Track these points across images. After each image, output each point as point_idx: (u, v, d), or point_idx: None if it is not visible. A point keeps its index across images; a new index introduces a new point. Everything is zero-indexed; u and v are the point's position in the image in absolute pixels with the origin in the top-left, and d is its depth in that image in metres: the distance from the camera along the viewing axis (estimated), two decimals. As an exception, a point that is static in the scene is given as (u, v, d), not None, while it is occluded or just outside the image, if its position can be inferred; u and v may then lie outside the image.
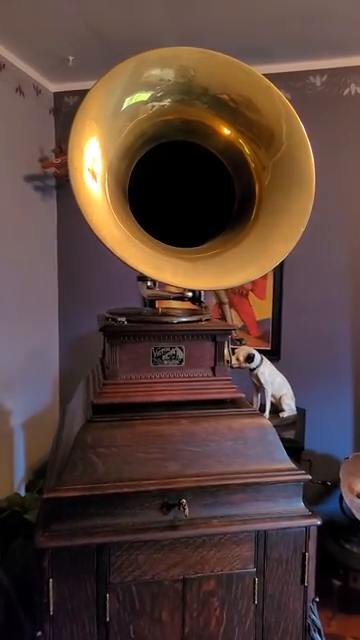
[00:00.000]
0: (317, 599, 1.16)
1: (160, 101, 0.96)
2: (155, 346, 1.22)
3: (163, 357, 1.22)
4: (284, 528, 1.11)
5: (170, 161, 1.12)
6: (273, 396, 2.44)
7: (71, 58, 2.50)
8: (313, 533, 1.13)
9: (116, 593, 1.06)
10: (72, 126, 0.88)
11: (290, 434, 2.36)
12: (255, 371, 2.36)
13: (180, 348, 1.23)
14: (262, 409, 2.43)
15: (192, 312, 1.36)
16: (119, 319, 1.21)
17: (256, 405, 2.47)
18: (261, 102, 0.99)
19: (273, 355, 2.81)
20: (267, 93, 0.99)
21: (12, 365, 2.58)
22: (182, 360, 1.23)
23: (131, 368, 1.21)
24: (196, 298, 1.41)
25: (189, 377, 1.23)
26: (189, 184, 1.18)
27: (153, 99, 0.95)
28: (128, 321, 1.21)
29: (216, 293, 2.97)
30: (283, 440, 2.34)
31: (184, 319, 1.25)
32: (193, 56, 0.95)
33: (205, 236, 1.17)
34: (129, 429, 1.12)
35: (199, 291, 1.40)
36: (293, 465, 1.15)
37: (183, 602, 1.09)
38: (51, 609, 1.03)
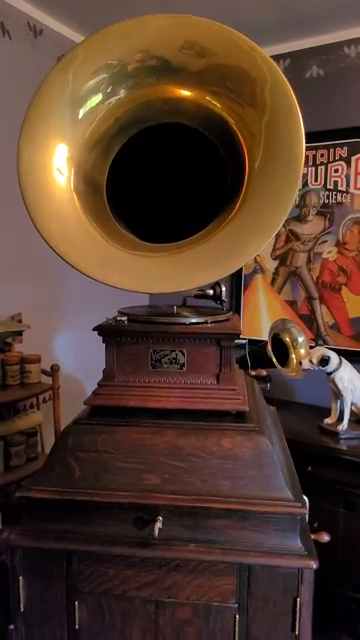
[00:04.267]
0: (313, 653, 0.99)
1: (115, 94, 0.88)
2: (154, 348, 1.14)
3: (162, 360, 1.14)
4: (271, 566, 0.97)
5: (162, 148, 1.02)
6: (354, 404, 2.18)
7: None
8: (308, 576, 0.97)
9: (86, 602, 1.03)
10: (26, 114, 0.85)
11: (373, 450, 2.09)
12: (332, 376, 2.13)
13: (181, 352, 1.14)
14: (341, 418, 2.19)
15: (206, 313, 1.25)
16: (119, 318, 1.16)
17: (335, 413, 2.23)
18: (238, 62, 0.83)
19: (366, 358, 2.51)
20: (249, 56, 0.83)
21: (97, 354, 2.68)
22: (183, 365, 1.14)
23: (129, 370, 1.15)
24: (217, 296, 1.30)
25: (190, 384, 1.14)
26: (188, 171, 1.07)
27: (106, 98, 0.87)
28: (129, 321, 1.16)
29: (305, 287, 2.74)
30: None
31: (189, 320, 1.15)
32: (163, 22, 0.84)
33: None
34: (111, 435, 1.07)
35: (220, 288, 1.29)
36: (290, 495, 0.99)
37: (155, 625, 1.02)
38: (21, 606, 1.03)
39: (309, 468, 2.09)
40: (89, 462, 1.05)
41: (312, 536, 1.11)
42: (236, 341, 1.16)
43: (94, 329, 1.14)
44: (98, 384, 1.17)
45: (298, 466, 2.07)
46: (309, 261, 2.68)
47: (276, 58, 2.55)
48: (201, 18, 0.84)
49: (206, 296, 1.31)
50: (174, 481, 1.02)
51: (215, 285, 1.29)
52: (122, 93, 0.90)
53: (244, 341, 1.23)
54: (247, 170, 0.88)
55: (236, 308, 2.86)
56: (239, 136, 0.88)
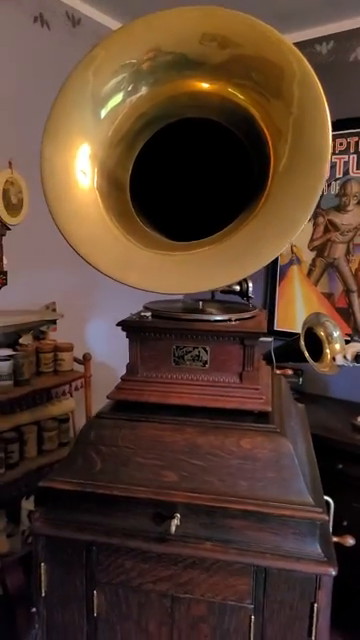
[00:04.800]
0: (329, 659, 0.98)
1: (137, 92, 0.86)
2: (177, 345, 1.14)
3: (185, 357, 1.14)
4: (287, 570, 0.96)
5: (188, 144, 1.00)
6: (389, 403, 2.11)
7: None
8: (326, 583, 0.95)
9: (104, 592, 1.05)
10: (49, 113, 0.85)
11: None
12: (367, 372, 2.06)
13: (204, 349, 1.13)
14: (376, 416, 2.13)
15: (233, 309, 1.23)
16: (143, 313, 1.17)
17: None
18: (263, 52, 0.80)
19: None
20: (276, 47, 0.80)
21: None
22: (206, 362, 1.13)
23: (151, 366, 1.16)
24: (243, 292, 1.28)
25: (212, 382, 1.13)
26: (213, 167, 1.04)
27: (127, 96, 0.85)
28: (152, 316, 1.16)
29: (343, 279, 2.66)
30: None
31: (212, 317, 1.14)
32: (192, 14, 0.81)
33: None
34: (131, 430, 1.08)
35: (246, 284, 1.27)
36: (310, 500, 0.97)
37: (171, 619, 1.03)
38: (43, 591, 1.07)
39: (340, 466, 2.05)
40: (110, 456, 1.06)
41: (336, 539, 1.09)
42: (261, 339, 1.15)
43: (117, 324, 1.15)
44: (121, 378, 1.18)
45: (328, 463, 2.03)
46: (348, 252, 2.60)
47: (319, 41, 2.45)
48: (225, 9, 0.81)
49: (232, 292, 1.30)
50: (192, 479, 1.02)
51: (242, 281, 1.27)
52: (144, 90, 0.88)
53: (269, 339, 1.21)
54: (272, 168, 0.85)
55: (271, 299, 2.81)
56: (265, 131, 0.85)
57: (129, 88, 0.87)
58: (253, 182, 0.92)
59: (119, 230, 0.90)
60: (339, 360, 2.06)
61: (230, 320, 1.14)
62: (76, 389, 2.19)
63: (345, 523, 1.97)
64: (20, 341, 2.09)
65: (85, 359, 2.20)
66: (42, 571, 1.06)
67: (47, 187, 0.84)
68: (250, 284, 1.27)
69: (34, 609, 1.09)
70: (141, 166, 1.00)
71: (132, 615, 1.05)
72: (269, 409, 1.09)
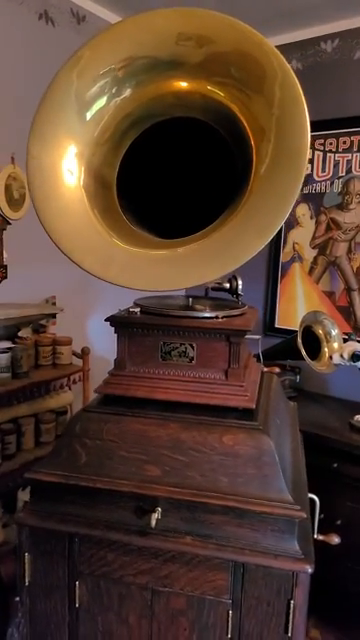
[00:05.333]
0: (306, 656, 0.99)
1: (120, 95, 0.86)
2: (164, 341, 1.15)
3: (172, 353, 1.15)
4: (264, 566, 0.96)
5: (175, 143, 1.00)
6: (386, 403, 2.10)
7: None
8: (303, 580, 0.95)
9: (86, 583, 1.07)
10: (36, 111, 0.85)
11: None
12: (364, 372, 2.06)
13: (191, 345, 1.14)
14: (372, 416, 2.12)
15: (223, 306, 1.23)
16: (132, 309, 1.18)
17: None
18: (240, 47, 0.80)
19: None
20: (259, 50, 0.80)
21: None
22: (192, 358, 1.14)
23: (139, 361, 1.17)
24: (233, 290, 1.28)
25: (198, 378, 1.14)
26: (200, 166, 1.04)
27: (111, 98, 0.86)
28: (141, 312, 1.17)
29: (344, 278, 2.65)
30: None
31: (199, 314, 1.14)
32: (170, 15, 0.82)
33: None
34: (116, 424, 1.09)
35: (236, 282, 1.27)
36: (289, 497, 0.98)
37: (151, 612, 1.04)
38: (26, 580, 1.09)
39: (335, 465, 2.05)
40: (94, 449, 1.07)
41: (321, 537, 1.10)
42: (249, 336, 1.15)
43: (106, 320, 1.16)
44: (109, 373, 1.19)
45: (323, 462, 2.04)
46: (350, 251, 2.58)
47: (324, 38, 2.43)
48: (203, 10, 0.81)
49: (223, 289, 1.30)
50: (174, 474, 1.03)
51: (231, 278, 1.27)
52: (128, 92, 0.89)
53: (257, 337, 1.21)
54: (254, 166, 0.85)
55: (272, 297, 2.81)
56: (247, 129, 0.85)
57: (113, 91, 0.88)
58: (237, 180, 0.92)
59: (103, 227, 0.91)
60: (336, 359, 2.06)
61: (217, 317, 1.14)
62: (74, 382, 2.21)
63: (339, 522, 1.97)
64: (19, 334, 2.11)
65: (84, 353, 2.21)
66: (26, 561, 1.08)
67: (34, 185, 0.84)
68: (240, 282, 1.27)
69: (17, 598, 1.11)
70: (129, 165, 1.00)
71: (113, 606, 1.06)
72: (253, 406, 1.10)
